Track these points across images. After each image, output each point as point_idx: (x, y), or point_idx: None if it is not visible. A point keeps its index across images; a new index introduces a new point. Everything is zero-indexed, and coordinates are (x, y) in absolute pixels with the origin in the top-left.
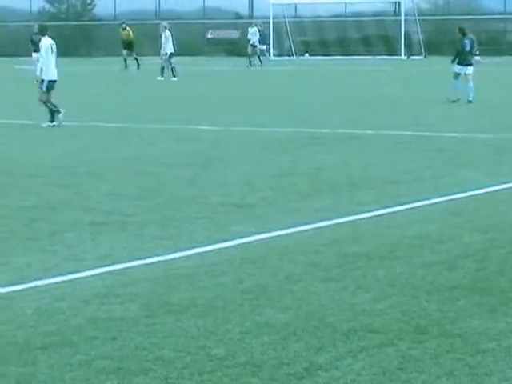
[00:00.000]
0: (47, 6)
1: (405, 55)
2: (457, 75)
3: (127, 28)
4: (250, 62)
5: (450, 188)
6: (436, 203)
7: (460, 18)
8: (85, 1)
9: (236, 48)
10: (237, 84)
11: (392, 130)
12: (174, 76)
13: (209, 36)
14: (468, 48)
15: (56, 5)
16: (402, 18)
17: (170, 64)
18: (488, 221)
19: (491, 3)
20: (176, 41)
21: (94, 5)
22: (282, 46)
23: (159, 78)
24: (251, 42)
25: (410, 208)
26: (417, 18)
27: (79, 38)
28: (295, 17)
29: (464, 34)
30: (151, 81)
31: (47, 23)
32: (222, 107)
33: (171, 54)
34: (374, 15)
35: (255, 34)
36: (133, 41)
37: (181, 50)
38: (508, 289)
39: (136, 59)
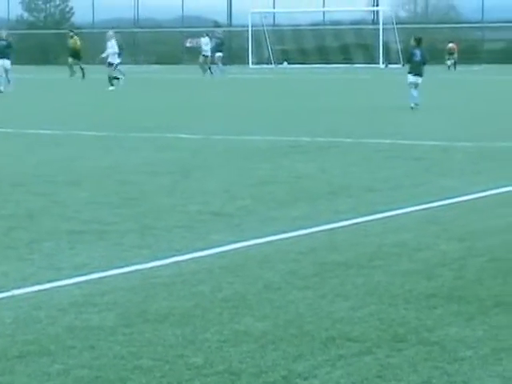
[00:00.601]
0: (25, 15)
1: (383, 64)
2: (411, 84)
3: (74, 36)
4: (209, 69)
5: (427, 196)
6: (414, 211)
7: (438, 27)
8: (63, 9)
9: None
10: (216, 92)
11: (371, 139)
12: (112, 85)
13: (187, 44)
14: (418, 58)
15: (34, 13)
16: (381, 26)
17: (112, 73)
18: (465, 229)
19: (469, 12)
20: (155, 49)
21: (73, 13)
22: (261, 54)
23: (121, 82)
24: (203, 53)
25: (388, 216)
26: (395, 26)
27: (58, 46)
28: (274, 25)
29: (418, 45)
30: (130, 89)
31: (25, 31)
32: (202, 116)
33: (113, 63)
34: (353, 24)
35: (207, 43)
36: (79, 49)
37: (159, 58)
38: (485, 297)
39: (82, 68)
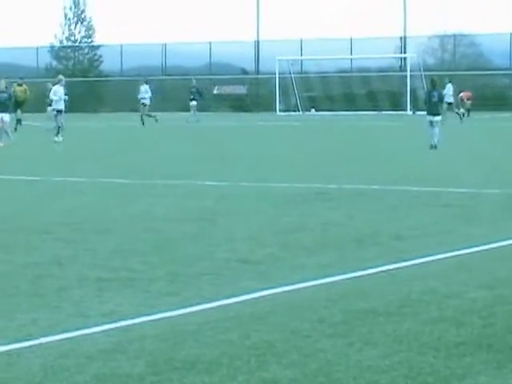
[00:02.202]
0: (54, 63)
1: (410, 110)
2: (430, 123)
3: (24, 85)
4: (149, 116)
5: (455, 243)
6: (442, 259)
7: (466, 74)
8: (91, 57)
9: (243, 103)
10: (243, 139)
11: (398, 186)
12: (61, 136)
13: (215, 92)
14: (435, 99)
15: (63, 61)
16: (408, 73)
17: (57, 122)
18: (494, 276)
19: (497, 59)
20: (183, 96)
21: (101, 61)
22: (288, 101)
23: (56, 138)
24: (142, 101)
25: (417, 264)
26: (422, 73)
27: (86, 94)
28: (301, 72)
29: (434, 86)
30: (156, 136)
31: (54, 80)
32: (229, 162)
33: (60, 110)
34: (380, 71)
35: (146, 91)
36: (25, 100)
37: (187, 105)
38: None
39: (18, 119)
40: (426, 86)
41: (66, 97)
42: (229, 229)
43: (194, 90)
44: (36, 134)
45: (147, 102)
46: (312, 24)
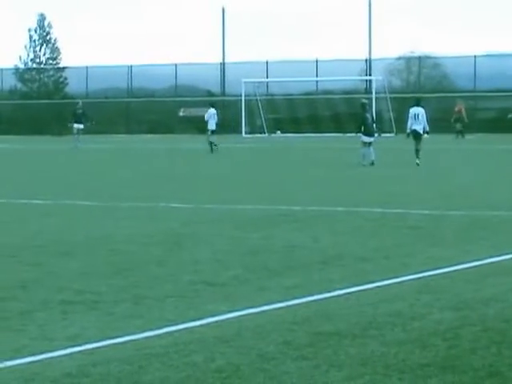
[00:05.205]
0: (19, 85)
1: (376, 133)
2: (365, 144)
3: None
4: None
5: (420, 265)
6: (406, 280)
7: (431, 96)
8: (57, 79)
9: None
10: (208, 162)
11: (363, 207)
12: None
13: (181, 114)
14: (369, 121)
15: (28, 83)
16: (373, 95)
17: None
18: (459, 298)
19: (461, 81)
20: (148, 118)
21: (66, 83)
22: (254, 123)
23: None
24: None
25: (381, 286)
26: (387, 95)
27: (51, 117)
28: (267, 94)
29: (365, 110)
30: (122, 159)
31: (19, 102)
32: (194, 184)
33: None
34: (345, 93)
35: None
36: None
37: (153, 127)
38: (480, 367)
39: None
40: (362, 109)
41: None
42: (193, 251)
43: (79, 112)
44: (11, 156)
45: None
46: (278, 46)
